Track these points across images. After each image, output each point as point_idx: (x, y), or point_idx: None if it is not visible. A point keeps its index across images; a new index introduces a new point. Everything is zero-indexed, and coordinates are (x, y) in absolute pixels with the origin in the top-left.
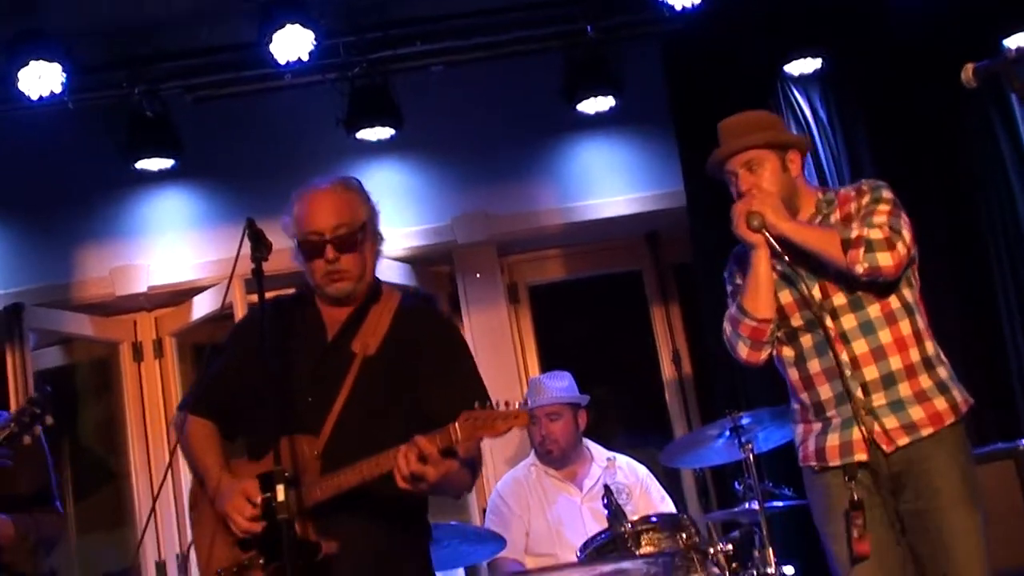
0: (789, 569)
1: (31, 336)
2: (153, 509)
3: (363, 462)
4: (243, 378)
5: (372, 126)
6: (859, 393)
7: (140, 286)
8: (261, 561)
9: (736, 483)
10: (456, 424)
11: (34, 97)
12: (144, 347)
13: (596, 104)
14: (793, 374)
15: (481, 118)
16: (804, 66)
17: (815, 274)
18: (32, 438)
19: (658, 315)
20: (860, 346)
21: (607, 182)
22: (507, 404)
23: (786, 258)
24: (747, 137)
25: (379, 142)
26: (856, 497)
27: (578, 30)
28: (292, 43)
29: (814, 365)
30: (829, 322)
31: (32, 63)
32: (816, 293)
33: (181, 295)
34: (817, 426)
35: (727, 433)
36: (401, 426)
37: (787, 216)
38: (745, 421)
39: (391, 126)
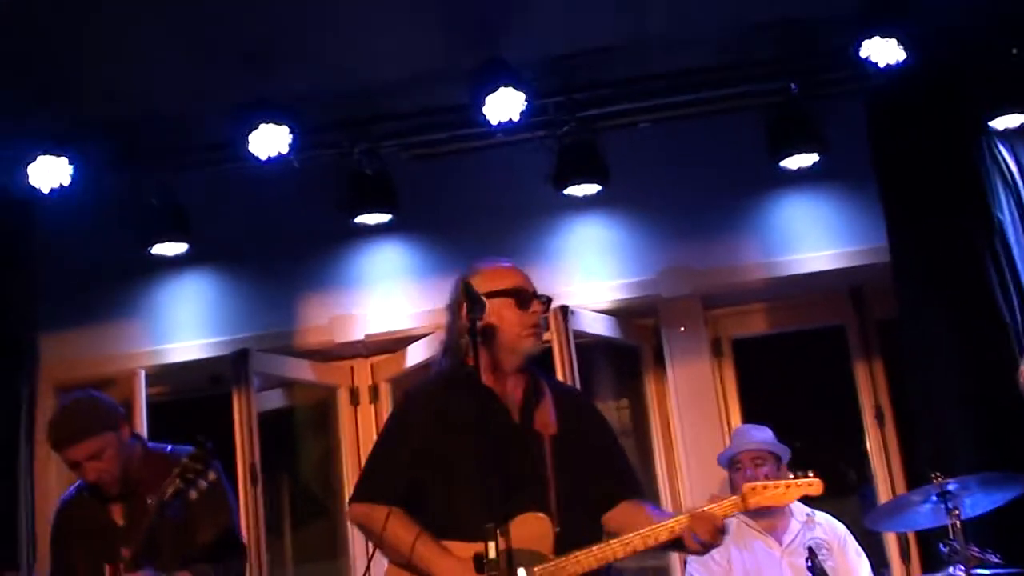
0: None
1: (256, 379)
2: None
3: (641, 532)
4: (424, 460)
5: (580, 182)
6: None
7: (358, 334)
8: None
9: (941, 545)
10: (744, 494)
11: (263, 157)
12: (360, 392)
13: (800, 160)
14: None
15: (687, 173)
16: (1010, 121)
17: None
18: (198, 492)
19: (861, 371)
20: None
21: (811, 237)
22: (795, 475)
23: None
24: None
25: (586, 197)
26: None
27: (782, 88)
28: (504, 104)
29: None
30: None
31: (262, 126)
32: None
33: (396, 343)
34: None
35: (933, 498)
36: (593, 499)
37: None
38: (952, 487)
39: (598, 182)
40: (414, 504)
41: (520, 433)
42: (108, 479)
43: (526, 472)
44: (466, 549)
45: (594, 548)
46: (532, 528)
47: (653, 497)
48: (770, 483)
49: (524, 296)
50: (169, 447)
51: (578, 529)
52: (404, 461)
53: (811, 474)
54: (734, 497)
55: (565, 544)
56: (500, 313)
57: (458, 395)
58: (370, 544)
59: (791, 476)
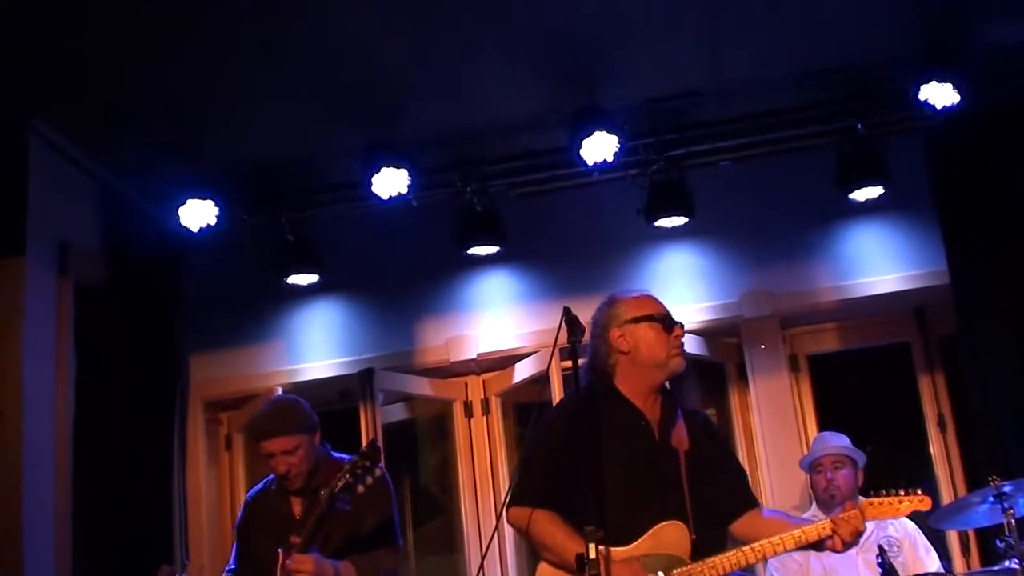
0: None
1: (380, 395)
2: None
3: (784, 536)
4: (573, 467)
5: (668, 215)
6: None
7: (471, 353)
8: None
9: (998, 541)
10: (863, 508)
11: (384, 197)
12: (474, 405)
13: (866, 193)
14: None
15: (764, 206)
16: None
17: None
18: (364, 487)
19: (925, 384)
20: None
21: (877, 262)
22: (906, 492)
23: None
24: None
25: (674, 228)
26: None
27: (849, 127)
28: (599, 147)
29: None
30: None
31: (383, 169)
32: None
33: (505, 361)
34: None
35: (990, 499)
36: (722, 509)
37: None
38: (1007, 488)
39: (685, 214)
40: (563, 508)
41: (660, 449)
42: (295, 474)
43: (665, 483)
44: (618, 552)
45: (729, 554)
46: (671, 535)
47: None
48: (885, 499)
49: (669, 322)
50: (348, 457)
51: (712, 536)
52: (554, 466)
53: (919, 492)
54: (855, 510)
55: (701, 550)
56: (648, 336)
57: (606, 410)
58: (483, 540)
59: (903, 493)
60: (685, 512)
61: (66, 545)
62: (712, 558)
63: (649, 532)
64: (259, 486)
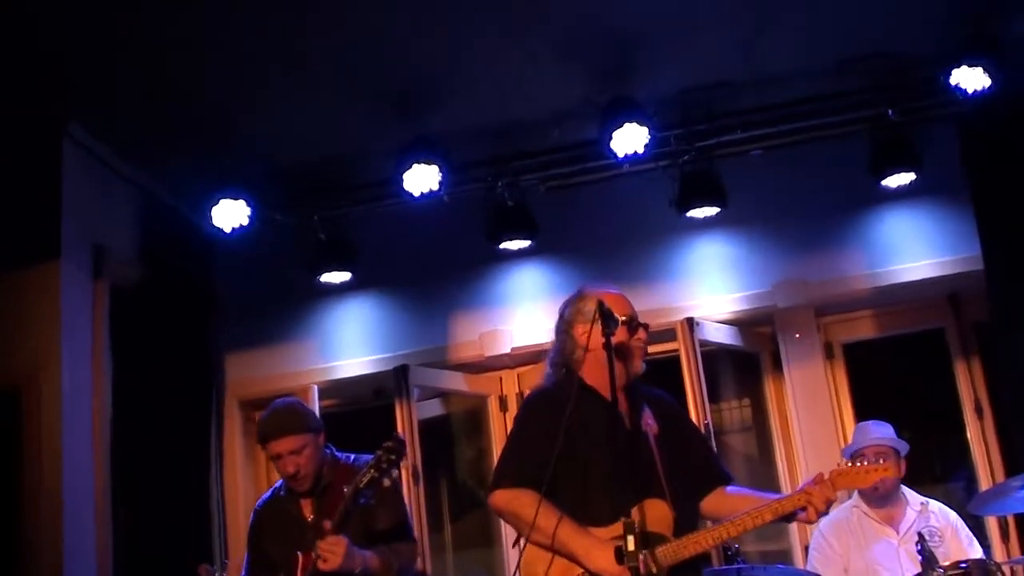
0: None
1: (415, 391)
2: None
3: (761, 508)
4: (560, 454)
5: (700, 205)
6: None
7: (505, 348)
8: None
9: None
10: (832, 478)
11: (416, 194)
12: (508, 400)
13: (899, 179)
14: None
15: (797, 194)
16: None
17: None
18: (391, 480)
19: (961, 370)
20: None
21: (911, 249)
22: (869, 462)
23: None
24: None
25: (706, 219)
26: None
27: (881, 114)
28: (630, 138)
29: None
30: None
31: (415, 166)
32: None
33: (539, 355)
34: None
35: None
36: (692, 488)
37: None
38: None
39: (717, 204)
40: (548, 495)
41: (633, 436)
42: (303, 474)
43: (642, 468)
44: (601, 533)
45: (710, 528)
46: (654, 513)
47: (773, 485)
48: (851, 467)
49: (634, 324)
50: (352, 457)
51: (689, 514)
52: (544, 452)
53: (881, 461)
54: (826, 479)
55: (681, 527)
56: (609, 335)
57: (579, 402)
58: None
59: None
60: (663, 492)
61: (106, 544)
62: (694, 534)
63: (631, 511)
64: (267, 494)
